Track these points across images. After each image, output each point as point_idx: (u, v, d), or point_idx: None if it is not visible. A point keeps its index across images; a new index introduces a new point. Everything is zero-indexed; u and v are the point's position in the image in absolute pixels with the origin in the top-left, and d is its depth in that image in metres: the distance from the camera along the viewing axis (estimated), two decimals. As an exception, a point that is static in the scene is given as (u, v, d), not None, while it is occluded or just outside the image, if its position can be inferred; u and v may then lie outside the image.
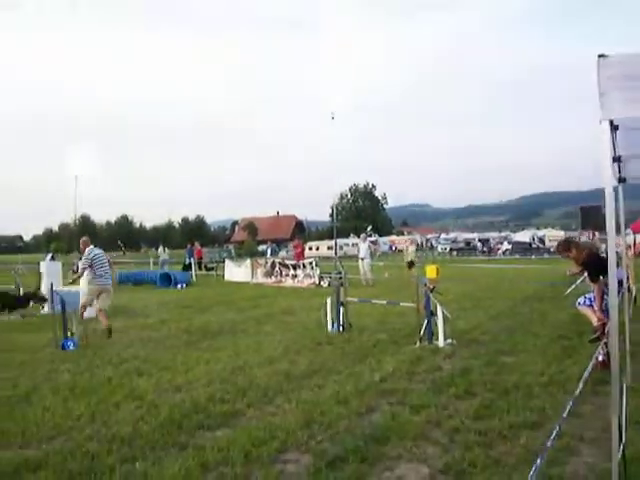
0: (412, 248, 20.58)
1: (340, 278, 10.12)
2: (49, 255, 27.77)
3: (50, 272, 13.29)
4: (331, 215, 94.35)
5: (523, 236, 56.36)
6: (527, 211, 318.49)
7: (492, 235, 64.29)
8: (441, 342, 7.28)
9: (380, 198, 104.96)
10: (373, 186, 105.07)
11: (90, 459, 3.79)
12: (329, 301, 8.79)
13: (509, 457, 3.67)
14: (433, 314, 7.42)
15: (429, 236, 72.26)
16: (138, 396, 5.27)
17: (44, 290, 12.64)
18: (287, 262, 20.58)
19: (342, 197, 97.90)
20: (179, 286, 19.48)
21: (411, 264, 19.15)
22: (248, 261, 22.60)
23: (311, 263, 19.07)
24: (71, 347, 7.87)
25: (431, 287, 7.67)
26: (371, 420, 4.49)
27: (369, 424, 4.38)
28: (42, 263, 14.40)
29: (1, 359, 7.24)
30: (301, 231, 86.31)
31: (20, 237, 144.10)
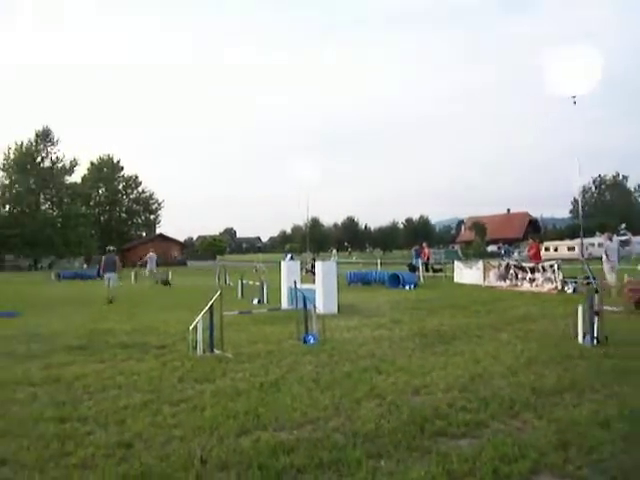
0: None
1: (589, 283, 9.04)
2: (289, 255, 30.72)
3: (290, 270, 14.43)
4: (571, 211, 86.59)
5: None
6: None
7: None
8: None
9: (633, 190, 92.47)
10: (624, 177, 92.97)
11: (337, 450, 3.93)
12: (580, 309, 7.85)
13: None
14: None
15: None
16: (378, 394, 5.36)
17: (284, 287, 13.83)
18: (524, 264, 19.22)
19: (585, 191, 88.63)
20: (407, 287, 19.71)
21: None
22: (480, 263, 21.76)
23: (552, 266, 17.47)
24: (311, 341, 8.30)
25: None
26: (643, 452, 3.82)
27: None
28: (282, 262, 15.52)
29: (253, 348, 8.04)
30: (535, 230, 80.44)
31: (259, 238, 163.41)
